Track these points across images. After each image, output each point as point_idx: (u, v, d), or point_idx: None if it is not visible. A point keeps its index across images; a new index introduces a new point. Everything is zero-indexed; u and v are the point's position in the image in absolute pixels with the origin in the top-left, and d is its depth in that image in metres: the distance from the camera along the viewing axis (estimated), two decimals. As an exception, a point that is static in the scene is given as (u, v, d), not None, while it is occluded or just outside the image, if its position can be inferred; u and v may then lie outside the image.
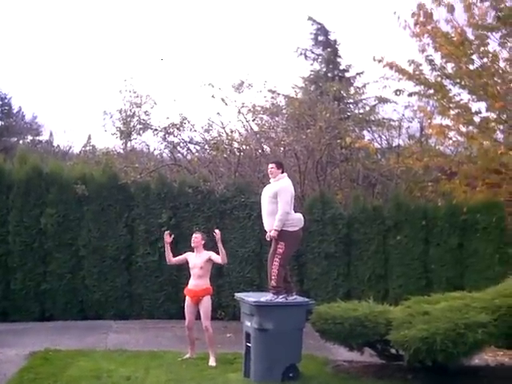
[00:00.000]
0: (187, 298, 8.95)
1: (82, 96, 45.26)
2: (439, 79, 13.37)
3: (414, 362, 7.56)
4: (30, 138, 34.56)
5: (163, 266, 12.39)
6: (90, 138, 25.74)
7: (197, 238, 9.04)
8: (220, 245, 8.81)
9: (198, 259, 8.92)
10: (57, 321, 12.08)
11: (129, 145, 16.27)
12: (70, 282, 12.42)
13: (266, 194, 8.17)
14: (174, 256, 9.28)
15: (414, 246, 12.57)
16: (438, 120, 13.67)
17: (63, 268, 12.41)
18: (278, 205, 7.93)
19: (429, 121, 14.22)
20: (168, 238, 9.14)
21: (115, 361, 8.71)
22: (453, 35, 12.89)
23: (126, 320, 12.24)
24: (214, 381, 7.78)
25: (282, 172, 8.29)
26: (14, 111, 35.78)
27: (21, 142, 32.13)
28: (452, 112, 13.21)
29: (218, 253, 8.88)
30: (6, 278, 12.26)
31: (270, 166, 8.38)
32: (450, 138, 13.70)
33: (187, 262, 9.08)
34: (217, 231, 8.89)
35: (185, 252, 9.33)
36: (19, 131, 34.42)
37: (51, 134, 34.03)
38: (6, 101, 35.31)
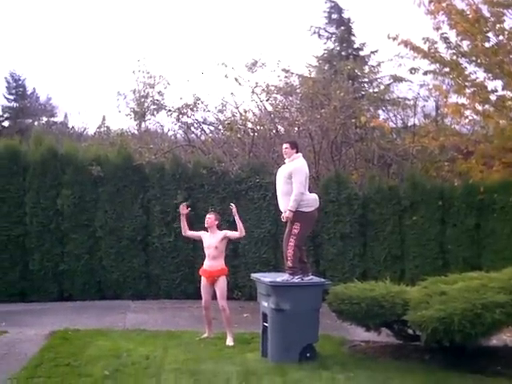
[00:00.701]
0: (203, 279, 9.01)
1: (96, 77, 45.29)
2: (454, 57, 13.26)
3: (431, 343, 7.58)
4: (44, 119, 34.71)
5: (179, 246, 12.53)
6: (104, 119, 25.75)
7: (210, 218, 9.07)
8: (237, 217, 8.85)
9: (212, 239, 8.95)
10: (75, 301, 12.20)
11: (143, 126, 16.29)
12: (87, 263, 12.53)
13: (281, 175, 8.16)
14: (190, 230, 9.34)
15: (431, 226, 12.52)
16: (453, 99, 13.63)
17: (80, 249, 12.51)
18: (293, 185, 7.92)
19: (444, 99, 14.14)
20: (184, 210, 9.18)
21: (134, 340, 8.79)
22: (468, 12, 12.77)
23: (143, 300, 12.35)
24: (231, 360, 7.82)
25: (297, 152, 8.26)
26: (29, 93, 35.94)
27: (36, 123, 32.26)
28: (468, 90, 13.11)
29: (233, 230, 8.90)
30: (24, 259, 12.38)
31: (284, 146, 8.36)
32: (466, 117, 13.62)
33: (201, 242, 9.12)
34: (232, 205, 8.95)
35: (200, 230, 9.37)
36: (34, 113, 34.56)
37: (66, 116, 34.18)
38: (21, 82, 35.47)
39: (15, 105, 34.82)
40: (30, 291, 12.33)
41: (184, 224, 9.24)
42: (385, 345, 8.59)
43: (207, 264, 8.97)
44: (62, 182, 12.63)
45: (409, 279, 10.89)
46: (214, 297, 8.94)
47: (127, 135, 16.15)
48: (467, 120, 13.89)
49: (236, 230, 8.99)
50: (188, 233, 9.32)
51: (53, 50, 48.97)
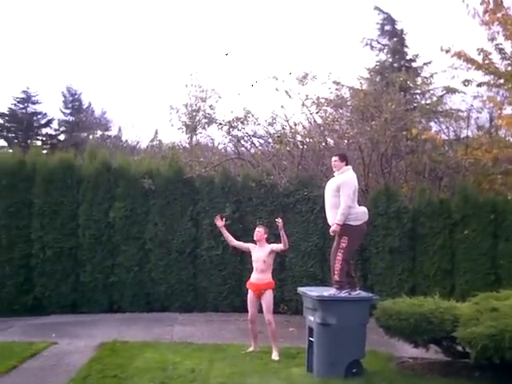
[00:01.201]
0: (249, 292, 9.01)
1: (149, 91, 46.09)
2: (510, 68, 12.99)
3: (480, 360, 7.34)
4: (99, 133, 35.42)
5: (227, 259, 12.57)
6: (156, 132, 26.17)
7: (260, 231, 9.07)
8: (282, 232, 8.84)
9: (260, 253, 8.95)
10: (124, 313, 12.38)
11: (194, 139, 16.45)
12: (137, 275, 12.69)
13: (330, 188, 8.10)
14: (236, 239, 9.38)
15: (482, 240, 12.22)
16: (508, 110, 13.33)
17: (130, 261, 12.70)
18: (341, 198, 7.85)
19: (499, 111, 13.84)
20: (219, 221, 9.24)
21: (180, 353, 8.84)
22: (524, 23, 12.49)
23: (190, 312, 12.43)
24: (277, 375, 7.79)
25: (347, 164, 8.19)
26: (84, 107, 36.75)
27: (91, 137, 32.96)
28: (523, 102, 12.81)
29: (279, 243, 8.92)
30: (76, 271, 12.64)
31: (334, 158, 8.30)
32: (521, 129, 13.30)
33: (250, 255, 9.13)
34: (279, 219, 8.93)
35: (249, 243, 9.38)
36: (89, 126, 35.31)
37: (120, 129, 34.82)
38: (77, 97, 36.31)
39: (71, 118, 35.64)
40: (80, 303, 12.58)
41: (227, 235, 9.28)
42: (433, 361, 8.42)
43: (254, 277, 8.97)
44: (114, 194, 12.87)
45: (459, 295, 10.64)
46: (260, 310, 8.91)
47: (178, 149, 16.35)
48: (522, 132, 13.58)
49: (280, 242, 8.98)
50: (235, 243, 9.35)
51: (108, 65, 50.09)
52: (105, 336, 9.77)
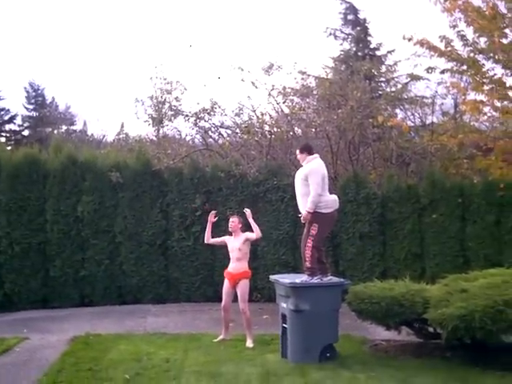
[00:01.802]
0: (225, 281, 9.04)
1: (114, 84, 45.69)
2: (472, 54, 13.19)
3: (452, 340, 7.52)
4: (64, 127, 35.04)
5: (198, 250, 12.56)
6: (123, 126, 25.97)
7: (234, 222, 9.09)
8: (251, 220, 8.92)
9: (235, 242, 8.99)
10: (96, 306, 12.28)
11: (161, 131, 16.35)
12: (107, 268, 12.61)
13: (298, 177, 8.18)
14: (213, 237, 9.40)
15: (451, 224, 12.43)
16: (471, 96, 13.51)
17: (101, 254, 12.60)
18: (310, 187, 7.92)
19: (463, 97, 14.03)
20: (212, 218, 9.23)
21: (154, 344, 8.83)
22: (485, 9, 12.67)
23: (163, 304, 12.40)
24: (252, 362, 7.82)
25: (310, 154, 8.25)
26: (48, 102, 36.31)
27: (55, 131, 32.57)
28: (486, 87, 13.03)
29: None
30: (45, 266, 12.49)
31: (297, 153, 8.48)
32: (485, 114, 13.52)
33: (226, 246, 9.15)
34: (247, 210, 9.02)
35: (223, 235, 9.40)
36: (53, 121, 34.91)
37: (85, 124, 34.52)
38: (40, 92, 35.88)
39: (35, 114, 35.18)
40: (51, 297, 12.44)
41: (209, 232, 9.29)
42: (405, 343, 8.55)
43: (231, 266, 9.02)
44: (81, 188, 12.73)
45: (429, 277, 10.82)
46: (235, 299, 8.94)
47: (145, 141, 16.25)
48: (486, 117, 13.81)
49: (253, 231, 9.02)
50: (210, 241, 9.37)
51: (71, 59, 49.47)
52: (77, 330, 9.67)
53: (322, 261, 8.15)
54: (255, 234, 8.94)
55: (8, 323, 10.75)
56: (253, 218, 9.02)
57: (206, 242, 9.47)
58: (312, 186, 7.90)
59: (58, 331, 9.83)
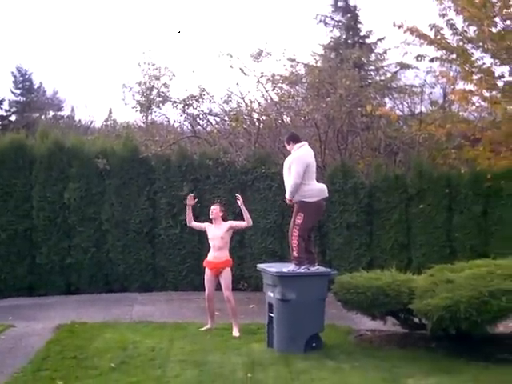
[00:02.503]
0: (207, 270, 9.00)
1: (102, 70, 45.33)
2: (461, 43, 13.17)
3: (437, 331, 7.54)
4: (51, 113, 34.75)
5: (186, 238, 12.53)
6: (110, 112, 25.79)
7: (215, 209, 9.03)
8: (243, 208, 8.87)
9: (217, 230, 8.92)
10: (82, 294, 12.25)
11: (149, 118, 16.26)
12: (94, 256, 12.55)
13: (285, 166, 8.18)
14: (195, 221, 9.34)
15: (437, 214, 12.45)
16: (460, 85, 13.52)
17: (87, 242, 12.54)
18: (291, 175, 7.93)
19: (451, 86, 14.02)
20: (191, 201, 9.15)
21: (140, 332, 8.81)
22: (475, -3, 12.63)
23: (150, 292, 12.39)
24: (238, 351, 7.82)
25: (297, 142, 8.22)
26: (35, 87, 35.96)
27: (43, 117, 32.31)
28: (475, 77, 13.01)
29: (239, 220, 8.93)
30: (32, 253, 12.43)
31: (285, 145, 8.45)
32: (473, 104, 13.52)
33: (206, 234, 9.10)
34: (238, 196, 8.99)
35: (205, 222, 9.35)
36: (41, 107, 34.60)
37: (72, 109, 34.22)
38: (27, 77, 35.50)
39: (22, 99, 34.86)
40: (37, 285, 12.39)
41: (189, 215, 9.21)
42: (391, 334, 8.57)
43: (212, 255, 8.95)
44: (68, 175, 12.65)
45: (415, 268, 10.85)
46: (218, 288, 8.93)
47: (133, 128, 16.15)
48: (474, 107, 13.79)
49: (242, 220, 8.99)
50: (193, 223, 9.29)
51: (59, 44, 49.03)
52: (63, 318, 9.65)
53: (309, 250, 8.15)
54: (246, 221, 8.91)
55: (-7, 310, 10.71)
56: (239, 207, 8.98)
57: (188, 224, 9.36)
58: (292, 173, 7.90)
59: (44, 319, 9.80)
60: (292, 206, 8.14)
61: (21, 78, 35.30)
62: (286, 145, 8.35)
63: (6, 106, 34.00)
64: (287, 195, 8.01)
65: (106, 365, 7.19)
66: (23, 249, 12.37)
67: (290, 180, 7.94)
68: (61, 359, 7.44)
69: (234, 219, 9.61)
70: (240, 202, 8.88)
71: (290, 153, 8.32)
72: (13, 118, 34.00)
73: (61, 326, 9.13)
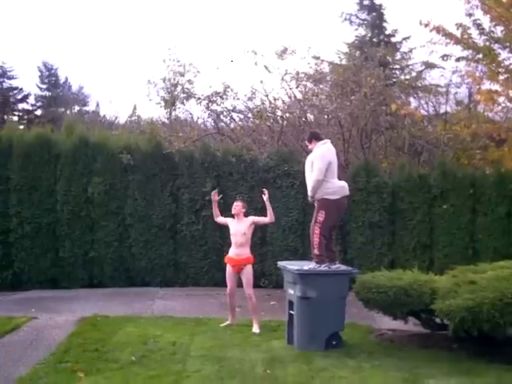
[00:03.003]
0: (228, 266, 9.01)
1: (127, 66, 45.63)
2: (488, 43, 13.07)
3: (459, 332, 7.45)
4: (76, 108, 35.08)
5: (207, 234, 12.57)
6: (135, 108, 26.00)
7: (238, 205, 9.06)
8: (268, 203, 8.89)
9: (239, 226, 8.94)
10: (105, 288, 12.34)
11: (173, 114, 16.35)
12: (117, 250, 12.65)
13: (307, 164, 8.17)
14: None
15: (461, 215, 12.34)
16: (486, 85, 13.40)
17: (110, 236, 12.64)
18: (312, 173, 7.91)
19: (477, 86, 13.91)
20: (215, 196, 9.20)
21: (161, 327, 8.85)
22: (502, -3, 12.51)
23: (171, 287, 12.45)
24: (257, 347, 7.83)
25: (319, 140, 8.20)
26: (61, 82, 36.35)
27: (68, 112, 32.62)
28: (501, 77, 12.91)
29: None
30: (55, 246, 12.55)
31: (307, 144, 8.45)
32: (499, 104, 13.44)
33: (228, 229, 9.13)
34: (265, 190, 9.04)
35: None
36: (66, 102, 34.95)
37: (98, 105, 34.52)
38: (53, 71, 35.90)
39: (48, 94, 35.24)
40: (60, 278, 12.51)
41: (216, 210, 9.25)
42: (412, 334, 8.52)
43: (234, 252, 8.96)
44: (92, 170, 12.75)
45: (438, 268, 10.76)
46: (240, 285, 8.95)
47: (157, 124, 16.24)
48: (500, 107, 13.70)
49: (264, 216, 9.00)
50: (219, 219, 9.31)
51: (85, 40, 49.42)
52: (85, 311, 9.75)
53: (330, 249, 8.13)
54: (269, 217, 8.94)
55: (17, 302, 10.86)
56: (261, 204, 9.00)
57: (215, 219, 9.38)
58: (314, 171, 7.89)
59: (66, 311, 9.90)
60: (314, 204, 8.12)
61: (47, 73, 35.67)
62: (308, 143, 8.32)
63: (31, 100, 34.43)
64: (309, 192, 8.00)
65: (127, 358, 7.23)
66: (47, 242, 12.49)
67: (312, 177, 7.93)
68: (82, 352, 7.50)
69: (255, 215, 9.61)
70: (266, 196, 8.90)
71: (311, 151, 8.31)
72: (38, 112, 34.37)
73: (83, 319, 9.21)
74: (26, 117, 32.90)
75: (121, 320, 9.21)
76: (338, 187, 8.06)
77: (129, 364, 7.05)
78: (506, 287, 7.05)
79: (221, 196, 9.43)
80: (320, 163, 7.90)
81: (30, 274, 12.37)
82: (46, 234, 12.50)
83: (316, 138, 8.25)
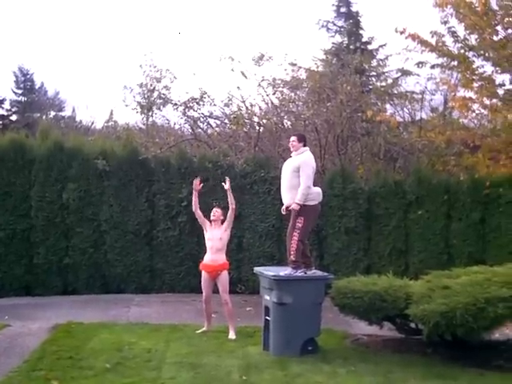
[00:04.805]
0: (203, 273, 8.98)
1: (103, 71, 45.29)
2: (462, 51, 13.18)
3: (433, 337, 7.54)
4: (52, 113, 34.76)
5: (183, 240, 12.54)
6: (112, 113, 25.77)
7: (218, 211, 9.05)
8: (229, 192, 8.90)
9: (216, 231, 8.93)
10: (79, 295, 12.23)
11: (149, 120, 16.29)
12: (92, 257, 12.54)
13: (288, 168, 8.12)
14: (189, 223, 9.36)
15: (436, 220, 12.45)
16: (461, 92, 13.50)
17: (85, 243, 12.52)
18: (300, 179, 7.88)
19: (452, 93, 14.03)
20: (197, 186, 9.14)
21: (136, 334, 8.80)
22: (476, 5, 12.65)
23: (147, 294, 12.37)
24: (233, 353, 7.82)
25: (304, 145, 8.23)
26: (37, 87, 36.01)
27: (44, 117, 32.33)
28: (475, 84, 13.03)
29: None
30: (29, 253, 12.41)
31: (292, 138, 8.33)
32: (474, 111, 13.54)
33: (203, 234, 9.09)
34: (227, 178, 9.08)
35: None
36: (42, 107, 34.63)
37: (74, 110, 34.18)
38: (29, 76, 35.56)
39: (23, 99, 34.91)
40: (34, 285, 12.36)
41: (195, 200, 9.13)
42: (387, 339, 8.57)
43: (209, 258, 8.93)
44: (67, 175, 12.64)
45: (413, 274, 10.79)
46: (216, 290, 8.92)
47: (134, 129, 16.18)
48: (474, 114, 13.82)
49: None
50: (198, 211, 9.17)
51: (60, 45, 48.93)
52: (59, 318, 9.64)
53: (306, 254, 8.16)
54: (230, 205, 8.89)
55: (-10, 309, 10.71)
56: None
57: (193, 209, 9.26)
58: (303, 178, 7.87)
59: (40, 319, 9.79)
60: (288, 214, 8.07)
61: (22, 78, 35.35)
62: (297, 142, 8.18)
63: (7, 105, 34.05)
64: (299, 198, 7.79)
65: (102, 365, 7.18)
66: (21, 248, 12.34)
67: (301, 183, 7.84)
68: (56, 359, 7.43)
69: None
70: (227, 185, 8.90)
71: (289, 156, 8.32)
72: (14, 117, 34.01)
73: (57, 326, 9.12)
74: (0, 122, 32.55)
75: (96, 327, 9.14)
76: (316, 193, 8.11)
77: (103, 371, 7.00)
78: (479, 292, 7.12)
79: (202, 185, 9.33)
80: (308, 170, 7.95)
81: (3, 281, 12.19)
82: (20, 241, 12.35)
83: (304, 142, 8.27)
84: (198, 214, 9.23)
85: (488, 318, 6.97)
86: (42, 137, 13.06)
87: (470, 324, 6.97)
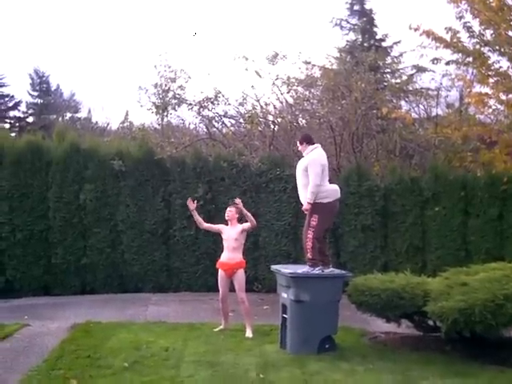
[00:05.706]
0: (220, 271, 9.00)
1: (119, 72, 45.59)
2: (478, 46, 13.12)
3: (451, 334, 7.47)
4: (68, 115, 35.00)
5: (200, 239, 12.57)
6: (127, 114, 25.85)
7: (231, 211, 9.06)
8: (244, 210, 8.91)
9: (231, 231, 8.94)
10: (97, 294, 12.31)
11: (164, 120, 16.35)
12: (109, 256, 12.63)
13: (299, 168, 8.14)
14: (209, 223, 9.39)
15: (453, 217, 12.39)
16: (477, 88, 13.43)
17: (102, 242, 12.61)
18: (309, 177, 7.89)
19: (468, 89, 13.95)
20: (191, 205, 9.17)
21: (154, 332, 8.82)
22: (491, 0, 12.58)
23: (164, 293, 12.42)
24: (251, 352, 7.81)
25: (311, 144, 8.22)
26: (53, 89, 36.30)
27: (60, 119, 32.54)
28: (491, 80, 12.96)
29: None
30: (47, 253, 12.51)
31: (297, 145, 8.42)
32: (490, 107, 13.46)
33: (220, 235, 9.13)
34: (237, 199, 9.08)
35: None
36: (58, 109, 34.86)
37: (89, 111, 34.45)
38: (45, 79, 35.86)
39: (39, 101, 35.18)
40: (53, 285, 12.47)
41: (197, 218, 9.24)
42: (405, 336, 8.53)
43: (226, 256, 8.96)
44: (84, 176, 12.72)
45: (430, 271, 10.80)
46: (232, 289, 8.94)
47: (149, 129, 16.24)
48: (491, 110, 13.73)
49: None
50: (204, 225, 9.32)
51: (76, 47, 49.38)
52: (78, 317, 9.69)
53: (324, 253, 8.12)
54: (250, 223, 8.91)
55: (9, 309, 10.80)
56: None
57: (200, 227, 9.38)
58: (311, 176, 7.87)
59: (59, 318, 9.85)
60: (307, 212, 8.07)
61: (38, 80, 35.62)
62: (299, 145, 8.31)
63: (23, 107, 34.37)
64: (308, 197, 7.82)
65: (120, 364, 7.19)
66: (39, 249, 12.45)
67: (310, 182, 7.85)
68: (75, 358, 7.45)
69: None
70: (240, 205, 8.93)
71: (302, 153, 8.33)
72: (30, 119, 34.31)
73: (75, 326, 9.17)
74: (17, 124, 32.85)
75: (114, 326, 9.16)
76: (331, 190, 8.08)
77: (122, 370, 7.00)
78: (497, 289, 7.06)
79: (196, 202, 9.34)
80: (316, 168, 7.91)
81: (22, 282, 12.31)
82: (38, 241, 12.45)
83: (308, 141, 8.26)
84: (207, 226, 9.35)
85: (507, 314, 6.90)
86: (59, 138, 13.14)
87: (488, 321, 6.90)
